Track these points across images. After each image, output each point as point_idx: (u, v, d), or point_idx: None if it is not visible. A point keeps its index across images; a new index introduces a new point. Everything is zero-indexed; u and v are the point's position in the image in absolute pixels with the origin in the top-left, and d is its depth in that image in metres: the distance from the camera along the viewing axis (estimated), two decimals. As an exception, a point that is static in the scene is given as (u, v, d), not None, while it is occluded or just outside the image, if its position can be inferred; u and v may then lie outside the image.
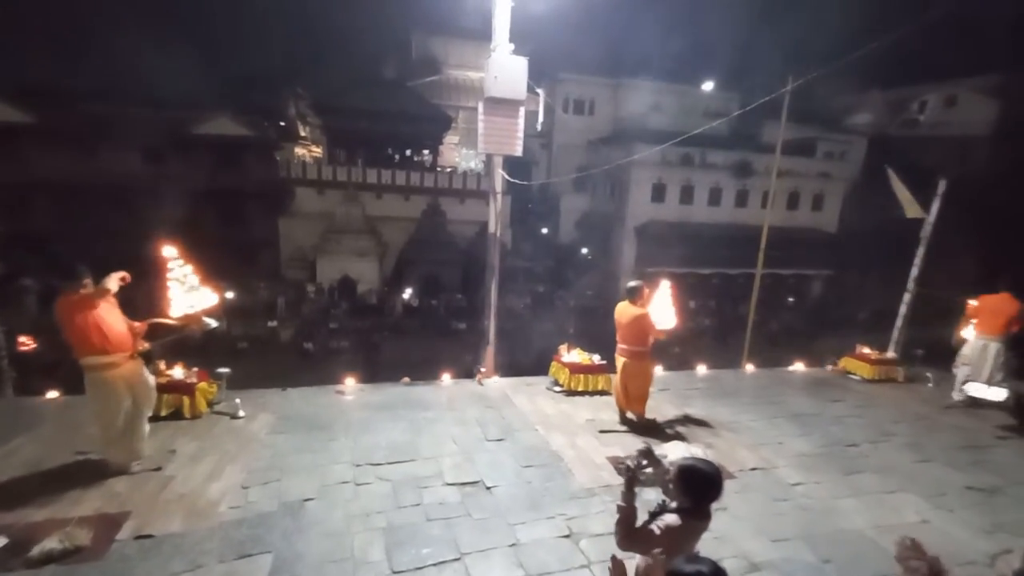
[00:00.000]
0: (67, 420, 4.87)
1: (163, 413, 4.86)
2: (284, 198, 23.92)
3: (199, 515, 3.54)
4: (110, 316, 3.86)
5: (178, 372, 5.14)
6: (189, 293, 4.15)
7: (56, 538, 3.07)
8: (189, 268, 4.17)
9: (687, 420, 5.73)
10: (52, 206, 22.18)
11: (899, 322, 8.23)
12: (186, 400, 5.02)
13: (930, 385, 7.36)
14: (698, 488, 2.11)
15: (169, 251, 4.13)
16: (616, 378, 5.49)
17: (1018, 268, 6.35)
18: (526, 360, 12.78)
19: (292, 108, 32.74)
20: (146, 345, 4.11)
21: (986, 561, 3.43)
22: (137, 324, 4.01)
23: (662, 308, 5.34)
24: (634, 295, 5.23)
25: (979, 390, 2.09)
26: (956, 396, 6.48)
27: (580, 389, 6.31)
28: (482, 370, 6.76)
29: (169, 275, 4.10)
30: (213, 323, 4.30)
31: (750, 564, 3.32)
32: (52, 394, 5.50)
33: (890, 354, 7.90)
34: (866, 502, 4.16)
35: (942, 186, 7.61)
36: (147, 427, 4.15)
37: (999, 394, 2.17)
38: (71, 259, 3.90)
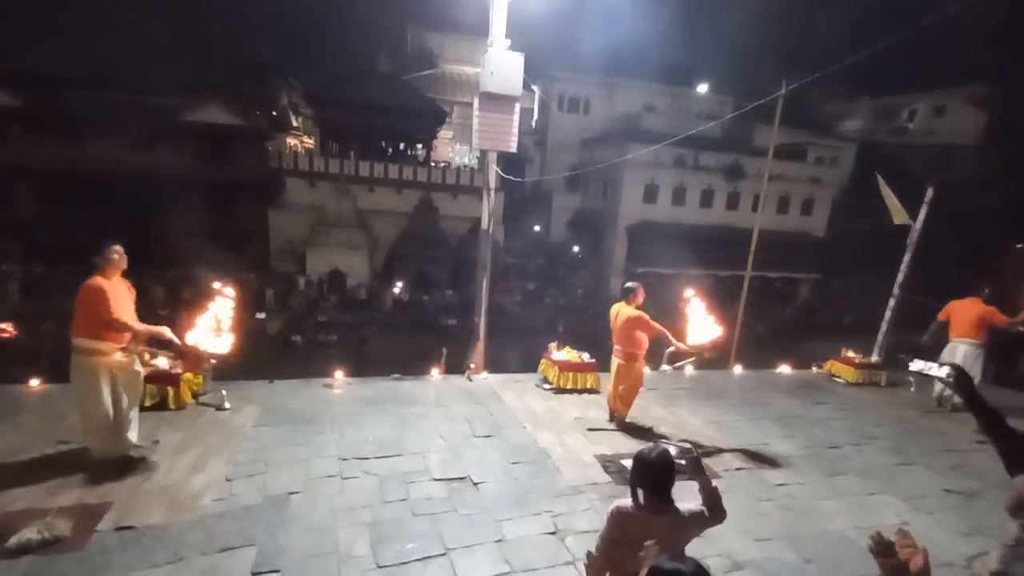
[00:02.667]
0: (49, 409, 4.79)
1: (147, 403, 4.80)
2: (274, 189, 23.68)
3: (182, 507, 3.50)
4: (125, 306, 3.81)
5: (163, 362, 5.08)
6: (213, 333, 4.10)
7: (35, 528, 3.02)
8: (230, 309, 4.16)
9: (674, 420, 5.76)
10: (36, 192, 21.78)
11: (884, 327, 8.34)
12: (171, 391, 4.96)
13: (912, 390, 7.48)
14: (632, 472, 2.14)
15: (227, 291, 4.19)
16: (610, 378, 5.49)
17: (1002, 273, 6.47)
18: (516, 357, 12.78)
19: (284, 98, 32.41)
20: (140, 349, 4.05)
21: (963, 563, 3.49)
22: (148, 327, 3.94)
23: (700, 321, 5.02)
24: (628, 296, 5.21)
25: (919, 365, 2.16)
26: (932, 386, 6.65)
27: (569, 387, 6.33)
28: (471, 366, 6.75)
29: (211, 306, 4.11)
30: (209, 366, 4.36)
31: (733, 563, 3.35)
32: (34, 382, 5.41)
33: (874, 358, 8.01)
34: (848, 503, 4.22)
35: (929, 193, 7.72)
36: (134, 419, 4.07)
37: (942, 370, 2.21)
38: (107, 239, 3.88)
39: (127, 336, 3.89)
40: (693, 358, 5.22)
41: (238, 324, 4.25)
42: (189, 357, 4.14)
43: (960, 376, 2.14)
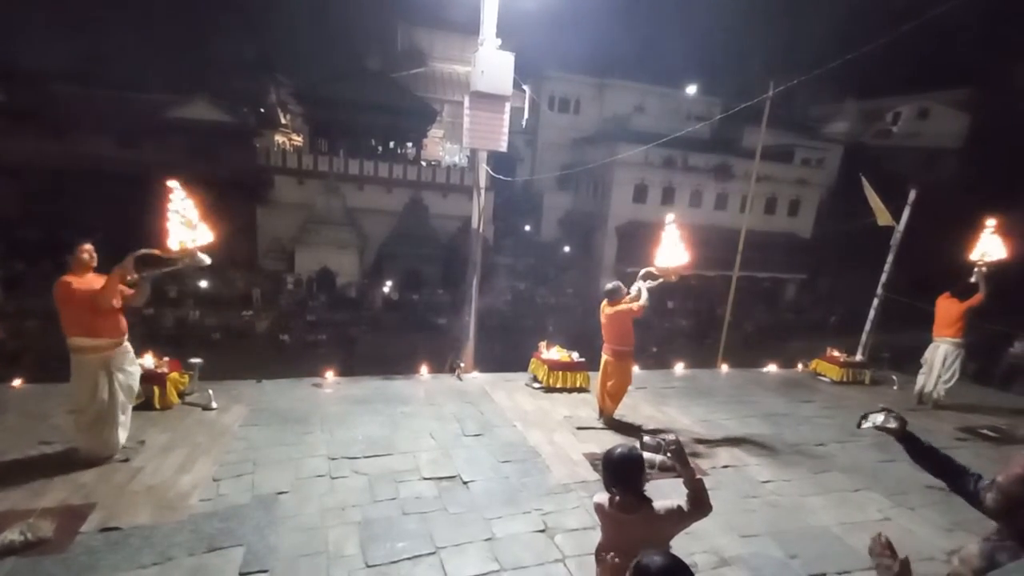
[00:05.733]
0: (32, 408, 4.72)
1: (133, 403, 4.74)
2: (262, 187, 23.43)
3: (169, 507, 3.46)
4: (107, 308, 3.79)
5: (149, 361, 5.02)
6: (188, 228, 3.97)
7: (17, 529, 2.98)
8: (191, 203, 3.98)
9: (663, 418, 5.81)
10: (18, 189, 21.34)
11: (868, 326, 8.48)
12: (156, 390, 4.91)
13: (895, 388, 7.62)
14: (602, 473, 2.18)
15: (173, 183, 3.96)
16: (598, 376, 5.53)
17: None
18: (506, 356, 12.81)
19: (273, 95, 32.08)
20: (134, 275, 3.91)
21: (944, 558, 3.56)
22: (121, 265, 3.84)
23: (671, 247, 5.13)
24: (613, 296, 5.28)
25: (874, 420, 2.24)
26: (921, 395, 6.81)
27: (558, 386, 6.35)
28: (461, 365, 6.75)
29: (170, 207, 3.92)
30: (207, 260, 4.10)
31: (720, 559, 3.39)
32: (16, 381, 5.32)
33: (858, 357, 8.14)
34: (832, 500, 4.29)
35: (912, 195, 7.86)
36: (123, 418, 4.02)
37: (878, 418, 2.30)
38: (75, 236, 3.83)
39: (121, 328, 3.89)
40: (661, 280, 5.26)
41: (203, 214, 4.06)
42: (185, 259, 3.96)
43: (900, 422, 2.21)
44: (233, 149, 23.53)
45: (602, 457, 2.18)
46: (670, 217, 5.26)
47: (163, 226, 3.91)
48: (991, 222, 6.38)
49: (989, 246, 6.38)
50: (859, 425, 2.29)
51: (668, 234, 5.16)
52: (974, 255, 6.43)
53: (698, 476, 2.19)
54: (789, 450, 5.20)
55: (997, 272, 6.38)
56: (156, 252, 3.93)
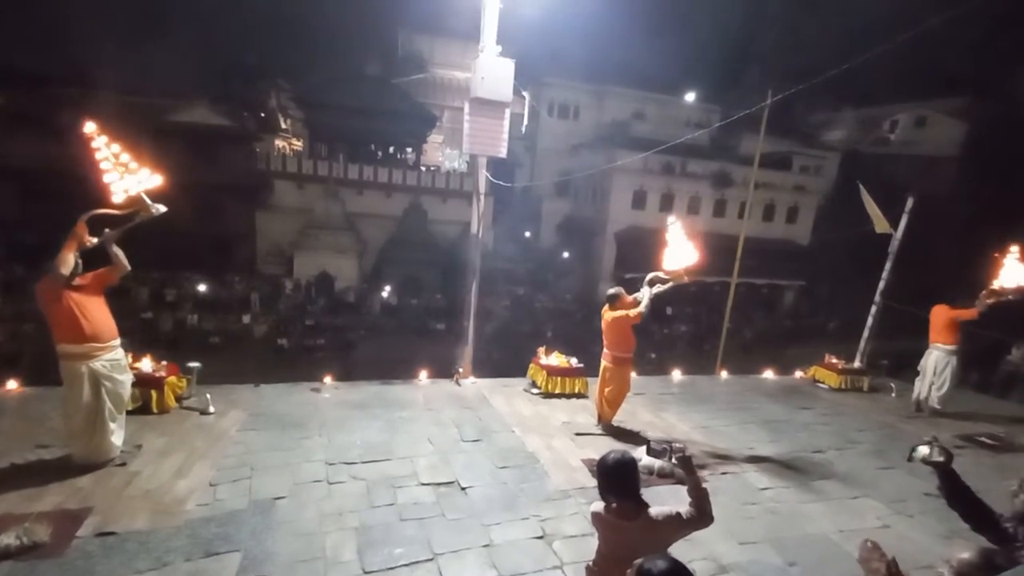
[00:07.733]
0: (28, 412, 4.71)
1: (129, 407, 4.70)
2: (262, 191, 23.45)
3: (165, 512, 3.45)
4: (90, 305, 3.79)
5: (146, 365, 5.01)
6: (125, 175, 3.77)
7: (13, 533, 2.96)
8: (117, 147, 3.77)
9: (661, 424, 5.81)
10: (17, 192, 21.35)
11: (866, 333, 8.49)
12: (154, 394, 4.90)
13: (893, 395, 7.62)
14: (597, 480, 2.18)
15: (90, 128, 3.69)
16: (597, 382, 5.53)
17: (978, 281, 6.60)
18: (504, 361, 12.79)
19: (273, 100, 32.19)
20: (91, 241, 3.81)
21: (943, 565, 3.56)
22: (98, 270, 3.87)
23: (678, 247, 5.06)
24: (614, 301, 5.29)
25: (920, 452, 2.26)
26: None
27: (557, 392, 6.35)
28: (460, 370, 6.75)
29: (98, 156, 3.71)
30: (161, 208, 3.92)
31: (719, 566, 3.38)
32: (12, 385, 5.30)
33: (857, 364, 8.15)
34: (831, 507, 4.28)
35: (910, 203, 7.90)
36: (114, 425, 3.98)
37: (922, 451, 2.30)
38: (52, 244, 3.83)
39: (110, 332, 3.88)
40: (671, 283, 5.15)
41: (130, 151, 3.83)
42: (139, 212, 3.80)
43: (947, 455, 2.21)
44: (233, 153, 23.56)
45: (597, 465, 2.17)
46: (672, 219, 5.21)
47: (102, 181, 3.73)
48: (1015, 248, 6.18)
49: (1014, 273, 6.19)
50: (909, 459, 2.29)
51: (673, 235, 5.10)
52: (997, 283, 6.28)
53: (703, 486, 2.19)
54: (788, 457, 5.19)
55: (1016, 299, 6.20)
56: (105, 211, 3.82)
